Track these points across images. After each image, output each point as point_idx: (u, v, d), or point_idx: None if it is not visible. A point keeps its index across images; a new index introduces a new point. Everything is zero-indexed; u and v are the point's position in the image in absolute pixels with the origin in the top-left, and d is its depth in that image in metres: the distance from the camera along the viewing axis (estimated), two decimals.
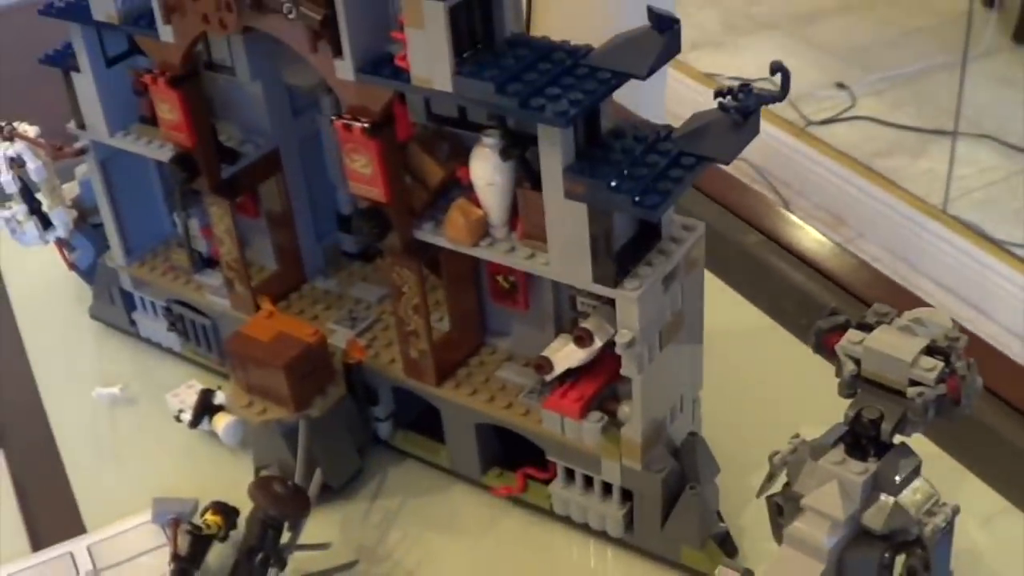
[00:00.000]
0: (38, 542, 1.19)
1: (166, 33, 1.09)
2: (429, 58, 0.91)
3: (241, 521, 1.11)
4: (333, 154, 1.24)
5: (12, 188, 1.32)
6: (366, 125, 0.97)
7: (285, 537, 1.05)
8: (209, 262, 1.30)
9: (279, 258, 1.25)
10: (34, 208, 1.35)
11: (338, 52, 0.96)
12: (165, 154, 1.20)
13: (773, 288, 1.41)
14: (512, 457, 1.14)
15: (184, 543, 1.10)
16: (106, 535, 1.17)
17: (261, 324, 1.13)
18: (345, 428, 1.15)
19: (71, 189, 1.41)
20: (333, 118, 0.99)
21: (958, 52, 3.33)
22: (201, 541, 1.10)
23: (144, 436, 1.30)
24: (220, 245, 1.20)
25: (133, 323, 1.39)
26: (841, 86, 3.82)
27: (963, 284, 3.07)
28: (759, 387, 1.24)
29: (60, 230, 1.37)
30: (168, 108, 1.12)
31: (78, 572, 1.14)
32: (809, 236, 1.49)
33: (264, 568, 1.04)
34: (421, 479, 1.19)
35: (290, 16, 0.96)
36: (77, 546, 1.16)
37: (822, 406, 0.98)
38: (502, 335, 1.15)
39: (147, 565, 1.13)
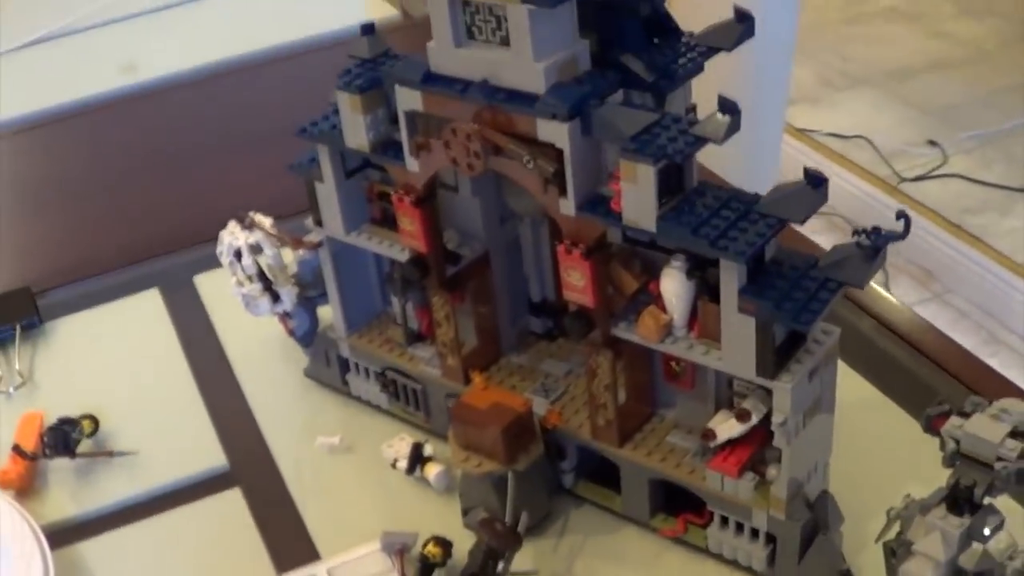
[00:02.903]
0: (281, 565, 1.53)
1: (412, 164, 1.46)
2: (638, 205, 1.27)
3: (455, 552, 1.46)
4: (529, 253, 1.61)
5: (252, 271, 1.68)
6: (583, 250, 1.34)
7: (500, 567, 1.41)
8: (420, 336, 1.67)
9: (479, 336, 1.60)
10: (266, 286, 1.71)
11: (563, 193, 1.33)
12: (394, 252, 1.57)
13: (875, 361, 1.77)
14: (670, 504, 1.50)
15: (413, 569, 1.45)
16: (341, 560, 1.50)
17: (478, 394, 1.49)
18: (539, 479, 1.51)
19: (289, 266, 1.77)
20: (555, 242, 1.36)
21: None
22: (427, 569, 1.44)
23: (361, 479, 1.64)
24: (437, 327, 1.57)
25: (346, 383, 1.75)
26: (933, 143, 4.12)
27: None
28: (867, 452, 1.57)
29: (287, 304, 1.72)
30: (408, 221, 1.49)
31: None
32: (903, 314, 1.86)
33: None
34: (597, 520, 1.53)
35: (528, 167, 1.32)
36: (318, 569, 1.49)
37: (916, 465, 1.37)
38: (669, 406, 1.50)
39: None
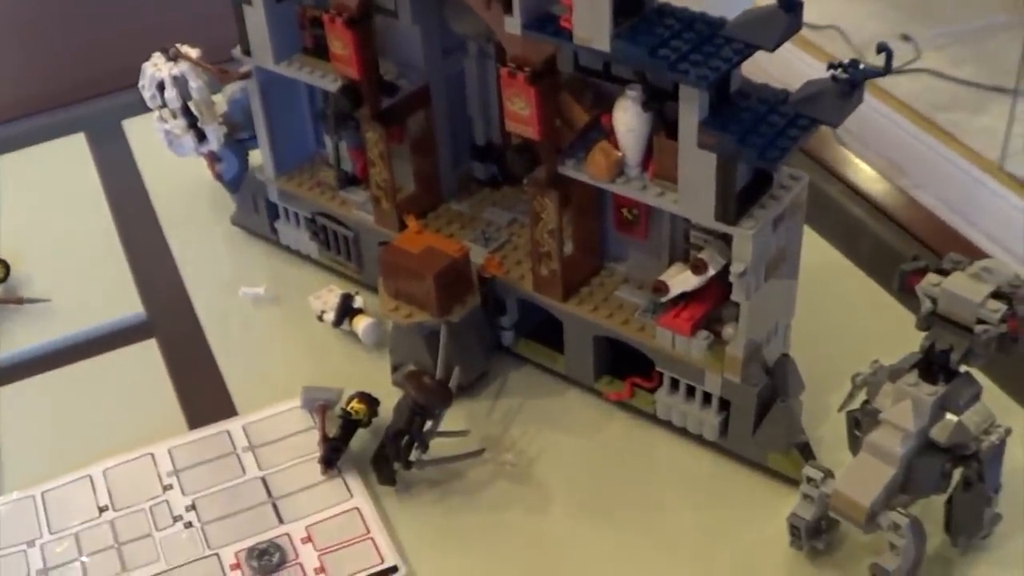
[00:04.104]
0: (194, 422, 1.40)
1: None
2: (591, 22, 1.11)
3: (381, 410, 1.32)
4: (474, 91, 1.45)
5: (175, 104, 1.53)
6: (528, 73, 1.18)
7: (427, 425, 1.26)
8: (353, 180, 1.51)
9: (418, 181, 1.45)
10: (191, 123, 1.55)
11: (508, 10, 1.17)
12: (327, 83, 1.41)
13: (845, 228, 1.63)
14: (618, 367, 1.35)
15: (335, 427, 1.31)
16: (258, 417, 1.37)
17: (411, 238, 1.34)
18: (475, 334, 1.36)
19: (219, 106, 1.61)
20: (499, 66, 1.20)
21: (1022, 12, 3.48)
22: (350, 425, 1.30)
23: (287, 332, 1.50)
24: (371, 167, 1.41)
25: (274, 231, 1.60)
26: (906, 38, 3.96)
27: (1016, 240, 3.24)
28: (830, 318, 1.44)
29: (213, 143, 1.57)
30: (341, 45, 1.33)
31: (235, 448, 1.34)
32: (877, 183, 1.71)
33: (408, 450, 1.25)
34: (538, 382, 1.39)
35: None
36: (233, 425, 1.37)
37: (881, 335, 1.28)
38: (619, 260, 1.35)
39: (296, 445, 1.33)
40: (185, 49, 1.52)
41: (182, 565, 1.23)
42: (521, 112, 1.19)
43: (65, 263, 1.65)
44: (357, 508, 1.26)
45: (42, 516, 1.29)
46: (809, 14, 1.09)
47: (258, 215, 1.60)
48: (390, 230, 1.43)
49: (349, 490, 1.28)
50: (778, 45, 1.09)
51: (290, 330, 1.50)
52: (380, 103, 1.36)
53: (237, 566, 1.22)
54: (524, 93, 1.18)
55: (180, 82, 1.51)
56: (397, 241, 1.34)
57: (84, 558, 1.24)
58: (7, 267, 1.59)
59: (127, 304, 1.58)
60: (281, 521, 1.26)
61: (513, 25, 1.17)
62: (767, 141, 1.09)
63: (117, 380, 1.48)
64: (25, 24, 2.27)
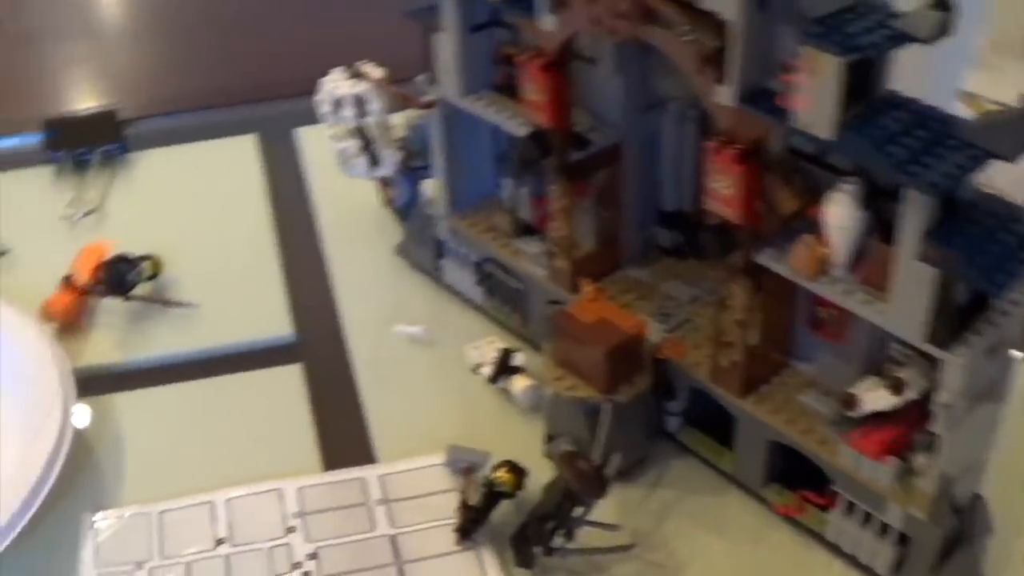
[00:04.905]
0: (329, 460, 1.30)
1: (548, 22, 1.18)
2: (815, 106, 0.98)
3: (529, 483, 1.20)
4: (669, 154, 1.32)
5: (351, 124, 1.43)
6: (737, 150, 1.05)
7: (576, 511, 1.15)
8: (529, 229, 1.40)
9: (598, 240, 1.34)
10: (366, 145, 1.45)
11: (721, 78, 1.05)
12: (514, 125, 1.30)
13: None
14: (789, 473, 1.22)
15: (477, 494, 1.20)
16: (397, 469, 1.27)
17: (586, 306, 1.23)
18: (640, 416, 1.24)
19: (399, 129, 1.50)
20: (701, 135, 1.08)
21: None
22: (493, 496, 1.19)
23: (439, 379, 1.40)
24: (552, 220, 1.30)
25: (438, 268, 1.50)
26: None
27: None
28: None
29: (387, 169, 1.47)
30: (535, 89, 1.21)
31: (367, 499, 1.24)
32: None
33: (552, 535, 1.14)
34: (699, 477, 1.27)
35: (685, 39, 1.04)
36: (369, 473, 1.27)
37: None
38: (806, 360, 1.22)
39: (435, 505, 1.23)
40: (368, 68, 1.42)
41: None
42: (723, 191, 1.07)
43: (217, 269, 1.58)
44: None
45: (155, 537, 1.21)
46: (1005, 92, 0.97)
47: (424, 250, 1.50)
48: (562, 288, 1.33)
49: (482, 566, 1.18)
50: (1020, 155, 0.95)
51: (443, 377, 1.40)
52: (569, 155, 1.24)
53: None
54: (730, 171, 1.06)
55: (360, 102, 1.41)
56: (571, 307, 1.23)
57: None
58: (158, 265, 1.52)
59: (276, 323, 1.50)
60: None
61: (726, 96, 1.05)
62: (995, 263, 0.96)
63: (256, 402, 1.39)
64: (227, 20, 2.21)
